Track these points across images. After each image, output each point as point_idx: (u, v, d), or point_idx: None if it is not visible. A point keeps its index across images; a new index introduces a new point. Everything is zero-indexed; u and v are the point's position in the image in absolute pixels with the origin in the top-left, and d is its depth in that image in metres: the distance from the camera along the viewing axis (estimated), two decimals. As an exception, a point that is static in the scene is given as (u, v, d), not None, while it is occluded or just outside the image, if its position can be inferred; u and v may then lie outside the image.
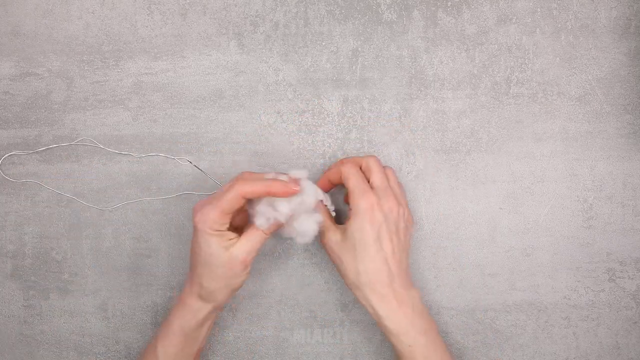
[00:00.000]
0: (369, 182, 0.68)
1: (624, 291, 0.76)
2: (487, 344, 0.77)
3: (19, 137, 0.79)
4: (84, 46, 0.79)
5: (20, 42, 0.79)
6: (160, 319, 0.79)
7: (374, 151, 0.77)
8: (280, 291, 0.78)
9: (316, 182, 0.72)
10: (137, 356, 0.77)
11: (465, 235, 0.76)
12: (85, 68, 0.79)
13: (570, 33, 0.75)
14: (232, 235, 0.65)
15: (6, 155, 0.79)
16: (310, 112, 0.77)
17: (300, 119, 0.77)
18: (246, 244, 0.64)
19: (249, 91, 0.78)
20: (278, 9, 0.77)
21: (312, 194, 0.67)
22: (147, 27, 0.78)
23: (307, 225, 0.67)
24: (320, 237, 0.70)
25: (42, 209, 0.80)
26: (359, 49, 0.76)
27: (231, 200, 0.63)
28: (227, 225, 0.65)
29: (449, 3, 0.76)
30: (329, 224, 0.69)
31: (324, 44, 0.77)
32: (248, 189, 0.63)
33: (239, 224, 0.70)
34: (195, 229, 0.64)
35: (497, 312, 0.76)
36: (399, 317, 0.65)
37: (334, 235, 0.67)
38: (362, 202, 0.65)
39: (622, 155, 0.75)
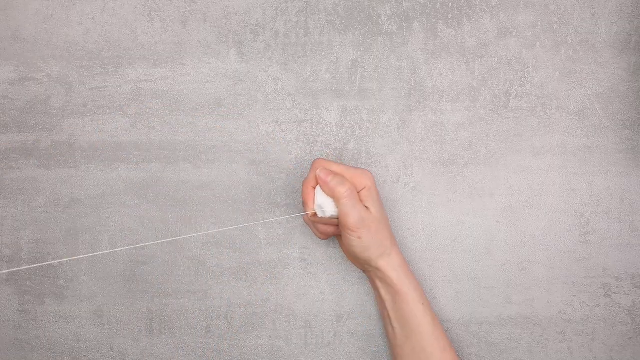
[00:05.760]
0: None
1: (620, 307, 0.76)
2: (482, 357, 0.77)
3: (17, 142, 0.79)
4: (83, 52, 0.79)
5: (20, 46, 0.79)
6: (156, 325, 0.79)
7: (372, 162, 0.77)
8: (275, 300, 0.78)
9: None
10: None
11: (462, 248, 0.76)
12: (85, 74, 0.79)
13: (570, 48, 0.75)
14: None
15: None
16: (309, 122, 0.77)
17: (298, 129, 0.77)
18: None
19: (248, 100, 0.78)
20: (278, 18, 0.77)
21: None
22: (147, 34, 0.78)
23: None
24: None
25: (39, 214, 0.80)
26: (359, 59, 0.76)
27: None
28: None
29: (450, 15, 0.76)
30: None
31: (323, 54, 0.77)
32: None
33: None
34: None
35: (493, 325, 0.76)
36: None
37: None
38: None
39: (620, 171, 0.75)
